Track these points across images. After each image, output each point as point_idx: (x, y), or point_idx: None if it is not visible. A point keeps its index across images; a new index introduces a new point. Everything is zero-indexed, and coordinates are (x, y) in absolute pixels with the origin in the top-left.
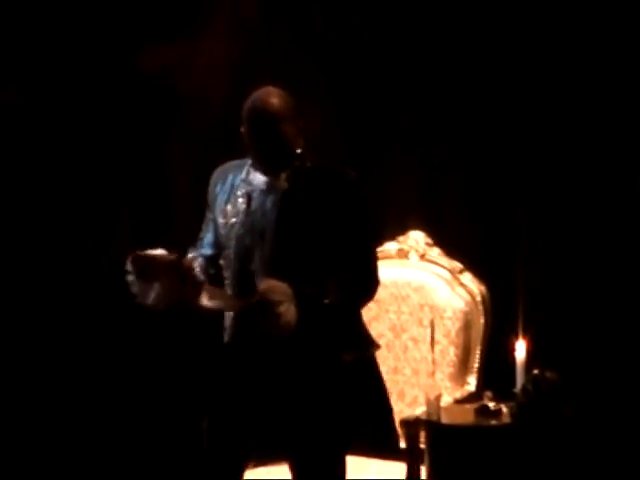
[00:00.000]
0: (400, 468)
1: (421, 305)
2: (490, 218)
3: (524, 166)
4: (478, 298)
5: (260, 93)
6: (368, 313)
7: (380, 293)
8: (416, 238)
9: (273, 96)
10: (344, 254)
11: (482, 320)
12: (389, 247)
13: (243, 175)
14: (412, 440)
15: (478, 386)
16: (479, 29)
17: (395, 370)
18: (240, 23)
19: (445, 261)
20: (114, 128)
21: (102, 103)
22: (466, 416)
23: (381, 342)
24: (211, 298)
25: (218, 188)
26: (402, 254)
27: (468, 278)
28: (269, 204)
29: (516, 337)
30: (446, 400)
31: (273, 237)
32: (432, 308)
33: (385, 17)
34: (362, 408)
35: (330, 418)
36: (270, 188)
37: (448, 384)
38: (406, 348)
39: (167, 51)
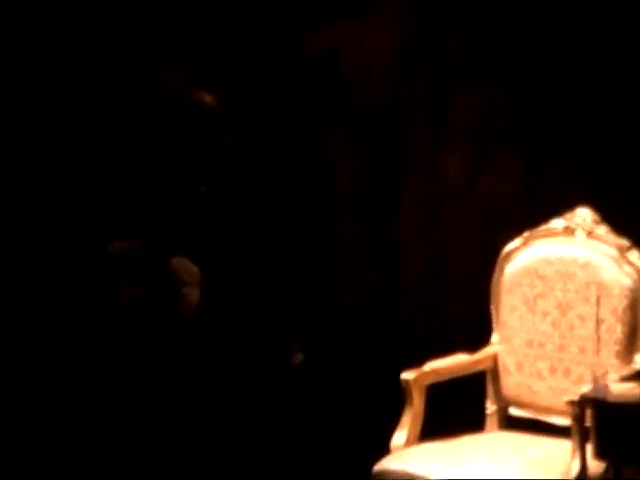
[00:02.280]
0: (566, 446)
1: (587, 283)
2: None
3: None
4: None
5: None
6: (533, 290)
7: (546, 270)
8: (583, 215)
9: None
10: None
11: None
12: (555, 224)
13: None
14: (578, 418)
15: None
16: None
17: (561, 348)
18: (403, 6)
19: (612, 238)
20: (282, 109)
21: (271, 85)
22: (633, 394)
23: (547, 320)
24: None
25: None
26: (569, 231)
27: (636, 256)
28: None
29: None
30: (612, 378)
31: None
32: (599, 286)
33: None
34: None
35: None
36: None
37: (614, 362)
38: (572, 326)
39: (332, 34)
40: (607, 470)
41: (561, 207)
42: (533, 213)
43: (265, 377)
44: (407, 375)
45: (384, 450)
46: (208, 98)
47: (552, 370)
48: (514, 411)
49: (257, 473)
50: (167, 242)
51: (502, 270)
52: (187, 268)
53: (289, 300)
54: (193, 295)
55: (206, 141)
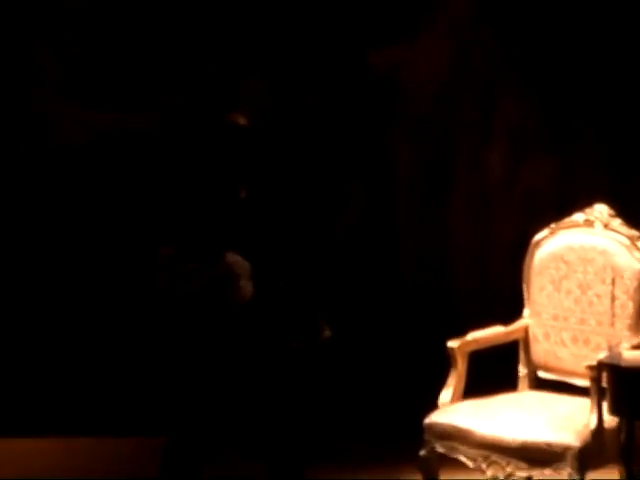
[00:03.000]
0: (585, 403)
1: (604, 266)
2: None
3: None
4: None
5: None
6: (559, 272)
7: (569, 256)
8: (601, 210)
9: None
10: None
11: None
12: (577, 217)
13: None
14: (596, 380)
15: None
16: None
17: (582, 321)
18: (451, 24)
19: (625, 230)
20: (353, 114)
21: (343, 94)
22: None
23: (570, 297)
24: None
25: None
26: (588, 223)
27: None
28: None
29: None
30: (625, 346)
31: None
32: (613, 269)
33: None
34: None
35: (275, 397)
36: None
37: (626, 333)
38: (591, 302)
39: (392, 51)
40: (620, 424)
41: (583, 204)
42: (562, 204)
43: (299, 352)
44: (452, 343)
45: (433, 406)
46: (241, 120)
47: (574, 340)
48: (542, 374)
49: (322, 428)
50: (219, 240)
51: (532, 255)
52: (240, 263)
53: (317, 282)
54: (248, 287)
55: (240, 154)
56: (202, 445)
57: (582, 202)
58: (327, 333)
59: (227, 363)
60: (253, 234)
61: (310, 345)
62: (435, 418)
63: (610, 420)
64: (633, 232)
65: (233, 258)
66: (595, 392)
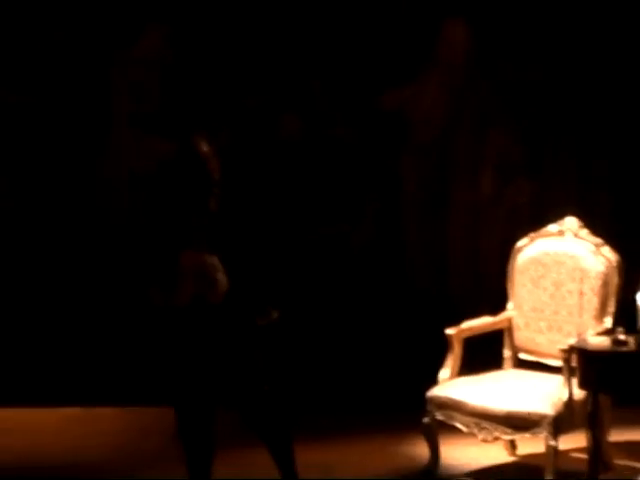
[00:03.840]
0: (559, 379)
1: (574, 268)
2: (623, 210)
3: None
4: (614, 264)
5: None
6: (537, 273)
7: (545, 259)
8: (571, 222)
9: None
10: None
11: (616, 279)
12: (551, 228)
13: None
14: (567, 361)
15: (613, 324)
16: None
17: (556, 313)
18: (450, 70)
19: (591, 238)
20: (366, 144)
21: (361, 127)
22: (604, 344)
23: (546, 293)
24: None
25: None
26: (561, 233)
27: (606, 250)
28: None
29: (639, 290)
30: (590, 333)
31: None
32: (581, 270)
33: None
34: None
35: (247, 366)
36: None
37: (592, 322)
38: (563, 297)
39: (401, 92)
40: (587, 396)
41: (556, 217)
42: (539, 217)
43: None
44: (450, 331)
45: (434, 382)
46: (204, 146)
47: (549, 328)
48: (523, 356)
49: (342, 402)
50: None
51: (515, 259)
52: (213, 260)
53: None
54: (224, 280)
55: (201, 174)
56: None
57: (555, 216)
58: (274, 314)
59: (211, 345)
60: (229, 238)
61: (262, 324)
62: (435, 392)
63: (579, 393)
64: (597, 240)
65: (207, 258)
66: (566, 370)
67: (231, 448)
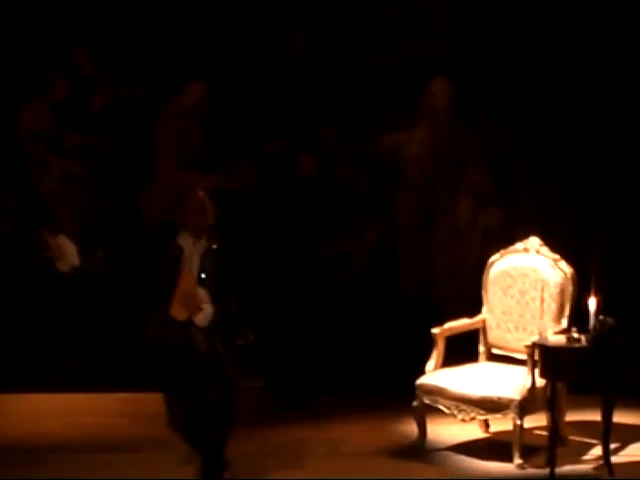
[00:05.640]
0: (523, 370)
1: (536, 279)
2: (578, 230)
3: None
4: (569, 276)
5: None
6: (506, 283)
7: (513, 272)
8: (533, 241)
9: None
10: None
11: (571, 288)
12: (518, 246)
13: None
14: (531, 355)
15: (569, 324)
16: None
17: (521, 315)
18: (435, 119)
19: (550, 254)
20: (368, 177)
21: (362, 164)
22: (561, 341)
23: (514, 299)
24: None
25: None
26: (526, 250)
27: (563, 264)
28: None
29: (589, 297)
30: (550, 332)
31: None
32: (542, 281)
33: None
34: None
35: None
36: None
37: (551, 323)
38: (527, 303)
39: (397, 136)
40: (546, 384)
41: (521, 237)
42: (508, 238)
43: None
44: (435, 330)
45: (421, 372)
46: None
47: (516, 328)
48: (495, 351)
49: (346, 386)
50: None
51: (488, 271)
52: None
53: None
54: (208, 310)
55: None
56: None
57: (520, 236)
58: (250, 336)
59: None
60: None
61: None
62: (423, 380)
63: (540, 381)
64: (555, 256)
65: (198, 291)
66: (530, 363)
67: (250, 426)
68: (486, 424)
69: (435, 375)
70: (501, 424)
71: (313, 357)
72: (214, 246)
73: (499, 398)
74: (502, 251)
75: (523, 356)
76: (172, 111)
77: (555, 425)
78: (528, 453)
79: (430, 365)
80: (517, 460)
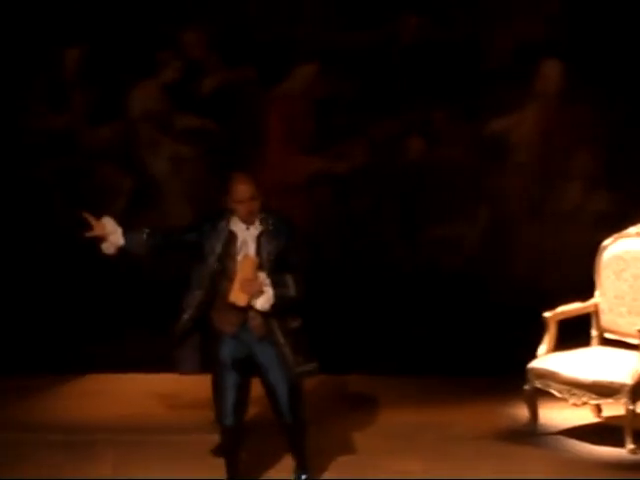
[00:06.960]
0: (635, 355)
1: None
2: None
3: None
4: None
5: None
6: (619, 267)
7: (626, 256)
8: None
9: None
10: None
11: None
12: (631, 230)
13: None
14: None
15: None
16: None
17: (634, 299)
18: (546, 99)
19: None
20: (474, 162)
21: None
22: None
23: (627, 283)
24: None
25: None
26: (638, 234)
27: None
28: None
29: None
30: None
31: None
32: None
33: None
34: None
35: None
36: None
37: None
38: None
39: (508, 119)
40: None
41: (634, 220)
42: (620, 222)
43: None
44: (547, 314)
45: (533, 356)
46: None
47: (629, 312)
48: (607, 335)
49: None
50: None
51: (601, 255)
52: None
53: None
54: (270, 293)
55: None
56: None
57: (633, 220)
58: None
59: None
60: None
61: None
62: (535, 364)
63: None
64: None
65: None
66: None
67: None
68: (598, 408)
69: (547, 359)
70: (613, 409)
71: (424, 340)
72: (270, 228)
73: (611, 383)
74: (615, 235)
75: (636, 340)
76: (283, 93)
77: None
78: None
79: (542, 349)
80: (629, 445)
